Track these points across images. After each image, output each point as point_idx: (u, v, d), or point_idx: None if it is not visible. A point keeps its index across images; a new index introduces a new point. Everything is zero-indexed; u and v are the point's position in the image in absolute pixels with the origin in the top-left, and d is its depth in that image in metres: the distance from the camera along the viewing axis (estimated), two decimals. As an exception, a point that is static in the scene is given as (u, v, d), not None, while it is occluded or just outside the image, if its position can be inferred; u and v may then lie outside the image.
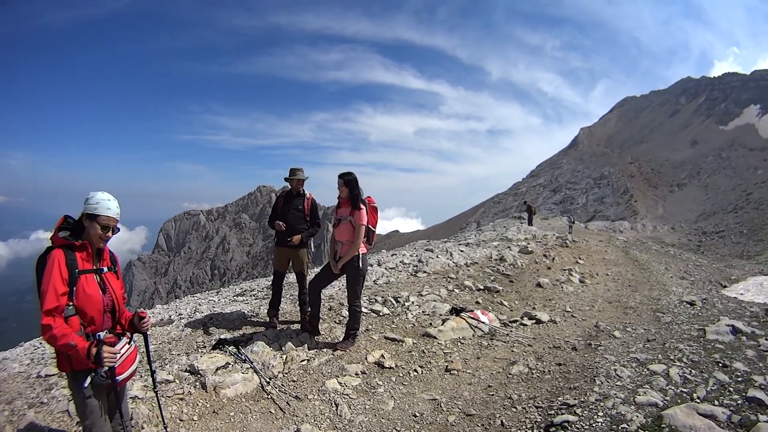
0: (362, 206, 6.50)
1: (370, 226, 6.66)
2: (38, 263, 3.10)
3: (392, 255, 14.47)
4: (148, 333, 3.60)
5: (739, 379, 5.59)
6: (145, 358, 4.02)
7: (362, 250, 6.53)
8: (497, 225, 33.20)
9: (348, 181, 6.52)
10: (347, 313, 6.99)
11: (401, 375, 6.06)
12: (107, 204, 3.25)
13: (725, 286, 16.34)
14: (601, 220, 71.17)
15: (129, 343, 3.46)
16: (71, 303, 3.05)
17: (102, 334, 3.25)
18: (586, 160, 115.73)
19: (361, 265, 6.49)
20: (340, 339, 6.96)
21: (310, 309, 7.07)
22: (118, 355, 3.17)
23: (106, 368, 3.12)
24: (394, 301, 8.93)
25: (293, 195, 7.38)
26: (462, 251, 14.01)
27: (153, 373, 3.93)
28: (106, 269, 3.38)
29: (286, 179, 7.34)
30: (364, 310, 8.08)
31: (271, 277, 8.12)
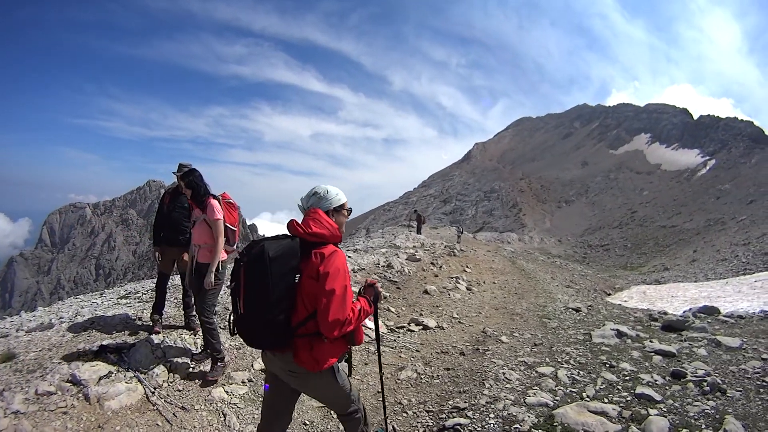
0: (211, 198, 5.64)
1: (229, 225, 5.90)
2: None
3: None
4: None
5: (627, 377, 5.97)
6: None
7: (222, 255, 5.68)
8: (386, 232, 33.44)
9: (190, 183, 5.76)
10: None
11: None
12: None
13: (610, 294, 17.35)
14: (490, 231, 74.20)
15: None
16: None
17: None
18: (477, 174, 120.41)
19: (219, 271, 5.57)
20: (225, 345, 6.53)
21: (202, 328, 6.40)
22: None
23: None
24: None
25: (180, 192, 6.79)
26: (350, 257, 13.86)
27: None
28: None
29: (174, 174, 6.70)
30: None
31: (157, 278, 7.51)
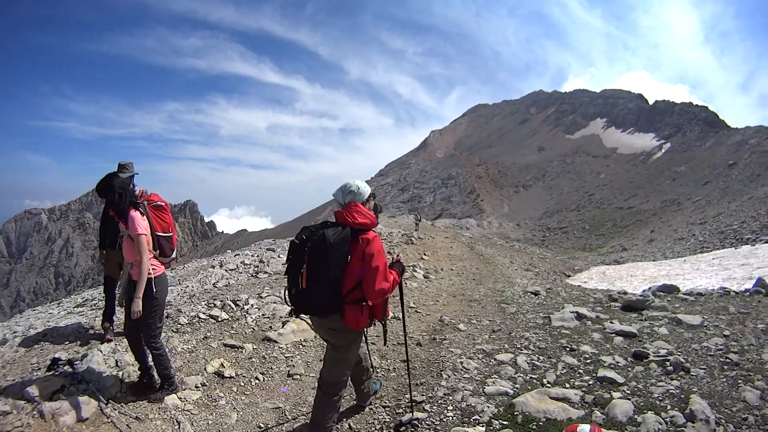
0: (131, 210, 4.91)
1: (160, 233, 5.31)
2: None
3: (235, 255, 13.92)
4: None
5: (588, 361, 5.95)
6: None
7: (157, 270, 5.05)
8: (345, 224, 33.34)
9: (104, 190, 4.91)
10: (185, 320, 6.38)
11: (243, 384, 5.81)
12: None
13: (569, 276, 17.48)
14: (448, 218, 74.91)
15: None
16: None
17: None
18: (434, 161, 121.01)
19: (154, 291, 4.93)
20: (178, 349, 6.34)
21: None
22: None
23: None
24: (233, 305, 8.41)
25: None
26: None
27: None
28: None
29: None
30: (202, 316, 7.56)
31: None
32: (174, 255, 5.56)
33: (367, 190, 4.15)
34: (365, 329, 4.31)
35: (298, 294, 3.87)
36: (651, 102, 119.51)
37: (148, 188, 5.79)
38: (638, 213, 60.49)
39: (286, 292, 4.00)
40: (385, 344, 5.32)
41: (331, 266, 3.74)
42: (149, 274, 4.84)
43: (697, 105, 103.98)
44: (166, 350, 5.43)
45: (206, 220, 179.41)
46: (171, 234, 5.51)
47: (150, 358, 5.22)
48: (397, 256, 4.77)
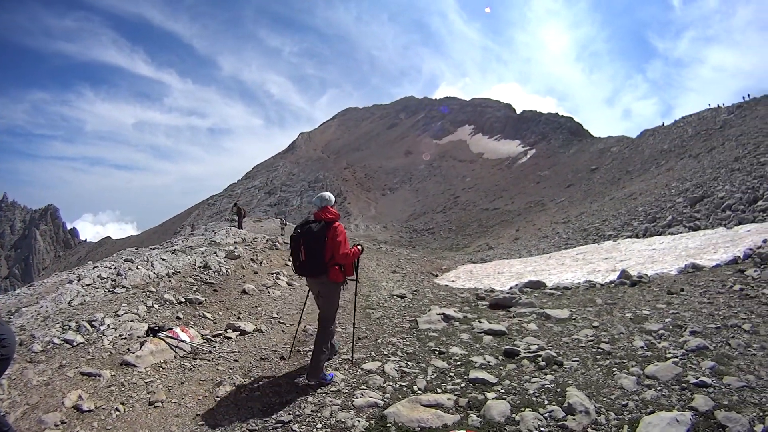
0: None
1: None
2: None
3: (94, 268, 12.60)
4: None
5: (459, 363, 5.93)
6: None
7: None
8: (209, 228, 32.18)
9: None
10: (39, 347, 6.03)
11: (103, 417, 5.36)
12: None
13: (437, 276, 17.72)
14: None
15: None
16: None
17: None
18: (302, 164, 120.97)
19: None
20: (33, 382, 5.76)
21: None
22: None
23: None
24: (88, 326, 7.64)
25: None
26: (164, 260, 12.64)
27: None
28: None
29: None
30: (56, 341, 6.89)
31: None
32: None
33: (333, 198, 6.27)
34: (342, 283, 6.22)
35: (301, 265, 5.84)
36: (519, 111, 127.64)
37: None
38: (503, 214, 63.73)
39: (293, 265, 6.09)
40: (356, 295, 7.20)
41: (318, 246, 5.73)
42: None
43: (563, 115, 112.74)
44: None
45: (69, 226, 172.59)
46: None
47: None
48: (358, 245, 6.55)
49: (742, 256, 10.52)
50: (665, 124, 69.10)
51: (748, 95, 55.41)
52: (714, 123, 50.65)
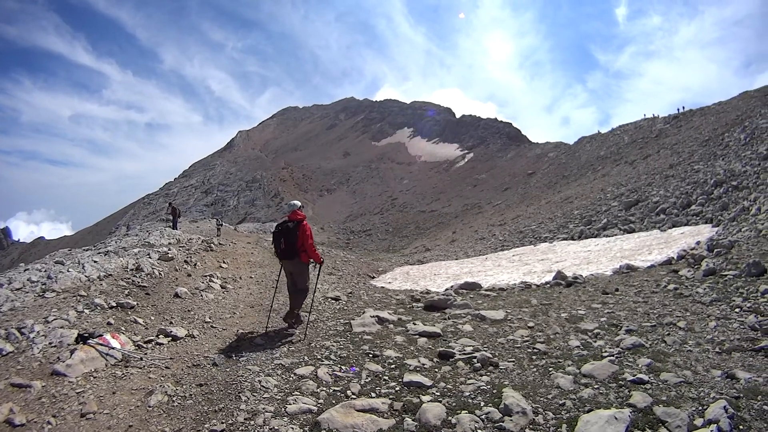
0: None
1: None
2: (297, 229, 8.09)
3: (24, 270, 11.93)
4: None
5: (393, 366, 5.88)
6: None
7: None
8: (143, 229, 31.26)
9: None
10: None
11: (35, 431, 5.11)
12: None
13: (374, 277, 17.73)
14: (252, 222, 74.97)
15: None
16: None
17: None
18: (240, 163, 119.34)
19: None
20: None
21: None
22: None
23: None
24: (18, 333, 7.26)
25: None
26: (96, 262, 12.11)
27: None
28: None
29: None
30: None
31: None
32: None
33: (299, 203, 8.36)
34: (308, 264, 8.33)
35: (281, 251, 7.93)
36: (458, 116, 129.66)
37: None
38: (440, 216, 64.56)
39: (275, 252, 8.22)
40: (318, 275, 9.52)
41: (294, 238, 7.85)
42: None
43: (501, 121, 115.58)
44: None
45: (2, 225, 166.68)
46: None
47: None
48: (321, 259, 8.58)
49: (676, 257, 10.90)
50: (602, 132, 71.69)
51: (683, 107, 58.40)
52: (650, 132, 52.95)
